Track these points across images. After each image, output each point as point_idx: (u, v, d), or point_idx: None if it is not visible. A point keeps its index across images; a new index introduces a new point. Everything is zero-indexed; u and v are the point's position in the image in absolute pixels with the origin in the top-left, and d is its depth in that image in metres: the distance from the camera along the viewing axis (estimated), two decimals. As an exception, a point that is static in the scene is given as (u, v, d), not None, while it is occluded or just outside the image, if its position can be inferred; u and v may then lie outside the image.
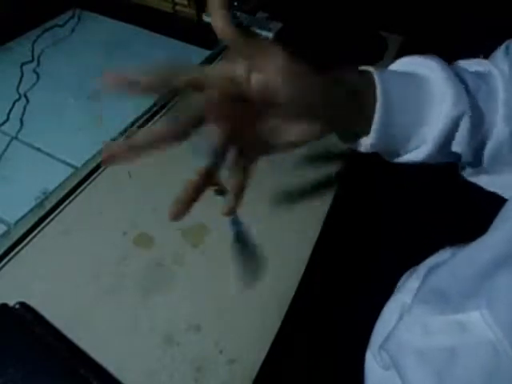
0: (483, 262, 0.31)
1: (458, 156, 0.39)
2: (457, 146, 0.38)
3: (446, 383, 0.30)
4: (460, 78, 0.37)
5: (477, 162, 0.40)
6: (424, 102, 0.36)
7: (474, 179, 0.43)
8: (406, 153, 0.39)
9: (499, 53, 0.40)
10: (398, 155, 0.40)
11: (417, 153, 0.38)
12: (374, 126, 0.35)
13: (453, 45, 0.79)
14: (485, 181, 0.42)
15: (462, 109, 0.35)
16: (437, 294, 0.35)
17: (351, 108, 0.35)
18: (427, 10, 0.82)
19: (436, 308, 0.34)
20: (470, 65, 0.41)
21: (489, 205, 0.36)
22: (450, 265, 0.35)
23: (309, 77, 0.33)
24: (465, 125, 0.36)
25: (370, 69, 0.36)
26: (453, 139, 0.37)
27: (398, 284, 0.48)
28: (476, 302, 0.30)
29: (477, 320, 0.29)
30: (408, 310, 0.38)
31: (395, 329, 0.37)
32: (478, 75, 0.39)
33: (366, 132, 0.36)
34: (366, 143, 0.37)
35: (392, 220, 0.63)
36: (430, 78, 0.37)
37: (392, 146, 0.38)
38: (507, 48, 0.40)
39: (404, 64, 0.40)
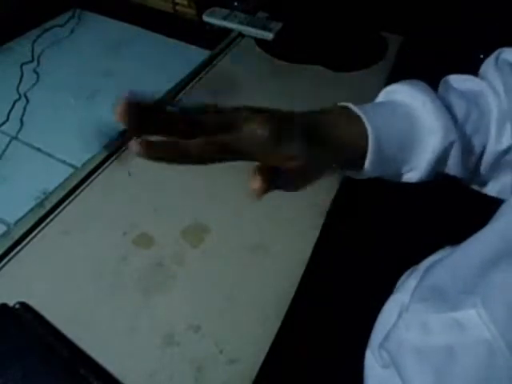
0: (479, 258, 0.32)
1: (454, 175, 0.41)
2: (450, 170, 0.40)
3: (444, 381, 0.30)
4: (449, 105, 0.39)
5: (472, 175, 0.41)
6: (414, 138, 0.38)
7: (472, 186, 0.44)
8: (400, 177, 0.41)
9: (489, 66, 0.41)
10: (394, 178, 0.42)
11: (410, 177, 0.40)
12: (367, 166, 0.37)
13: (453, 45, 0.79)
14: (481, 186, 0.44)
15: (452, 139, 0.37)
16: (434, 291, 0.35)
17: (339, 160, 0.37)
18: (427, 10, 0.82)
19: (434, 306, 0.34)
20: (462, 82, 0.42)
21: (489, 205, 0.36)
22: (448, 262, 0.35)
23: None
24: (455, 152, 0.38)
25: (361, 115, 0.37)
26: (444, 166, 0.39)
27: (398, 284, 0.48)
28: (473, 300, 0.30)
29: (473, 318, 0.29)
30: (406, 309, 0.38)
31: (394, 327, 0.38)
32: (469, 98, 0.40)
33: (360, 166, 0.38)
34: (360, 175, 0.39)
35: (393, 219, 0.63)
36: (420, 112, 0.38)
37: (386, 174, 0.40)
38: (497, 59, 0.41)
39: (392, 92, 0.41)
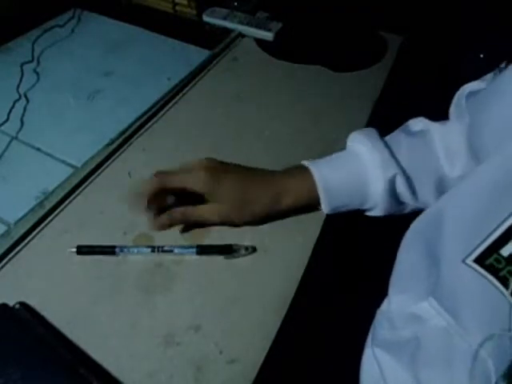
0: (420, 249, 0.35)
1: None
2: (404, 198, 0.45)
3: (419, 371, 0.31)
4: (398, 142, 0.46)
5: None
6: (362, 175, 0.44)
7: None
8: (367, 211, 0.49)
9: (452, 105, 0.47)
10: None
11: (375, 212, 0.48)
12: (324, 207, 0.46)
13: (453, 45, 0.79)
14: None
15: (393, 172, 0.43)
16: (396, 287, 0.38)
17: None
18: (427, 10, 0.82)
19: (397, 302, 0.37)
20: (414, 124, 0.49)
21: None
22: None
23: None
24: (401, 183, 0.43)
25: (312, 170, 0.45)
26: (398, 196, 0.45)
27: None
28: (423, 293, 0.32)
29: (427, 310, 0.31)
30: (380, 308, 0.40)
31: (373, 325, 0.39)
32: (416, 134, 0.47)
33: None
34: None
35: (394, 219, 0.63)
36: (361, 152, 0.45)
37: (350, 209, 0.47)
38: (460, 97, 0.45)
39: (349, 142, 0.48)
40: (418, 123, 0.48)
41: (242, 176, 0.45)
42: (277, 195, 0.44)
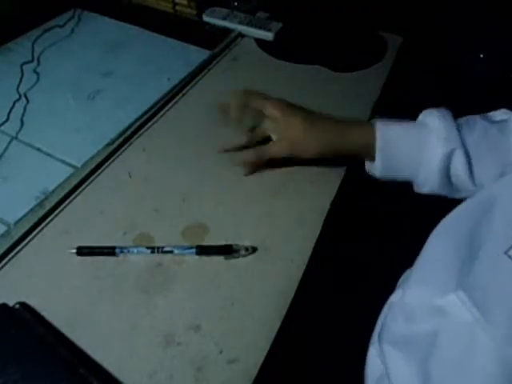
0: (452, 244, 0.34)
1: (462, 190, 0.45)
2: (456, 178, 0.43)
3: (430, 369, 0.31)
4: (467, 123, 0.44)
5: None
6: (421, 140, 0.44)
7: None
8: (417, 183, 0.47)
9: None
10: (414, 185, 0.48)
11: (429, 184, 0.45)
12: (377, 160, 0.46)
13: (453, 45, 0.79)
14: None
15: (453, 145, 0.42)
16: (419, 277, 0.37)
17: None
18: (427, 10, 0.82)
19: (417, 294, 0.35)
20: (495, 115, 0.47)
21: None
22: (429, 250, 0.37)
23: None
24: (459, 158, 0.42)
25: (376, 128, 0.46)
26: (449, 174, 0.43)
27: (399, 281, 0.48)
28: (451, 285, 0.31)
29: (454, 303, 0.30)
30: (392, 300, 0.39)
31: (385, 321, 0.39)
32: (494, 122, 0.45)
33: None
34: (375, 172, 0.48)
35: (394, 218, 0.63)
36: (428, 121, 0.45)
37: (400, 177, 0.47)
38: None
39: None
40: (501, 114, 0.47)
41: (309, 114, 0.50)
42: (340, 131, 0.48)
